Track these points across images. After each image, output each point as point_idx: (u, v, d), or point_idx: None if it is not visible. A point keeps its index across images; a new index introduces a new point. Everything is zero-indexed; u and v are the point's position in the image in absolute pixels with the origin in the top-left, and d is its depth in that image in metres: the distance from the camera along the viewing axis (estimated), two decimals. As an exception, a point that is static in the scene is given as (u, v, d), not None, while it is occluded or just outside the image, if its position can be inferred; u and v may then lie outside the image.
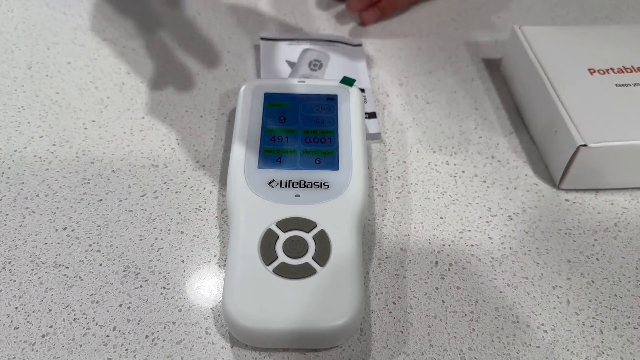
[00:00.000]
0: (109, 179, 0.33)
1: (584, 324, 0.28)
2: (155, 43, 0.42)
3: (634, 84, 0.34)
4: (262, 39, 0.41)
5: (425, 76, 0.41)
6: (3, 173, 0.33)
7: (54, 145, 0.35)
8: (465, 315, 0.28)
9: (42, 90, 0.38)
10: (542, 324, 0.28)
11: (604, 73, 0.35)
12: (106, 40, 0.42)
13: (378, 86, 0.40)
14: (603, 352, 0.27)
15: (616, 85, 0.34)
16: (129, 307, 0.28)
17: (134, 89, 0.38)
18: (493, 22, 0.45)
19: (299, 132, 0.32)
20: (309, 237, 0.28)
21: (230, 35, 0.43)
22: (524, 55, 0.37)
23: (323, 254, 0.27)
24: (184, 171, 0.34)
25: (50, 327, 0.27)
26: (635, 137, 0.32)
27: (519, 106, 0.38)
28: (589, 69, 0.35)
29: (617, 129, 0.32)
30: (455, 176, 0.35)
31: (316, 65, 0.39)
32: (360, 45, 0.42)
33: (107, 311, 0.28)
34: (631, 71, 0.35)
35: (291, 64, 0.39)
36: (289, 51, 0.40)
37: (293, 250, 0.27)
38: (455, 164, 0.35)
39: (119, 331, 0.27)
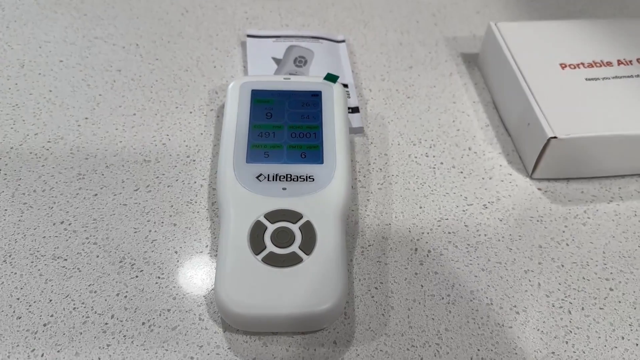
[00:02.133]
0: (103, 174, 0.35)
1: (553, 306, 0.30)
2: (145, 40, 0.43)
3: (603, 78, 0.36)
4: (249, 36, 0.42)
5: (406, 71, 0.42)
6: (0, 170, 0.35)
7: (48, 142, 0.36)
8: (442, 298, 0.30)
9: (35, 89, 0.39)
10: (515, 306, 0.30)
11: (575, 67, 0.37)
12: (97, 39, 0.43)
13: (361, 81, 0.41)
14: (571, 331, 0.29)
15: (586, 79, 0.36)
16: (125, 296, 0.30)
17: (125, 86, 0.40)
18: (471, 17, 0.47)
19: (285, 127, 0.34)
20: (295, 227, 0.30)
21: (218, 32, 0.44)
22: (499, 51, 0.39)
23: (309, 243, 0.29)
24: (175, 166, 0.35)
25: (51, 316, 0.29)
26: (603, 129, 0.33)
27: (495, 100, 0.40)
28: (561, 64, 0.37)
29: (586, 121, 0.34)
30: (434, 167, 0.36)
31: (301, 62, 0.41)
32: (343, 41, 0.43)
33: (105, 300, 0.30)
34: (600, 65, 0.37)
35: (277, 61, 0.41)
36: (274, 48, 0.41)
37: (280, 240, 0.29)
38: (434, 156, 0.37)
39: (117, 319, 0.29)
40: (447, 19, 0.47)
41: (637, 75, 0.36)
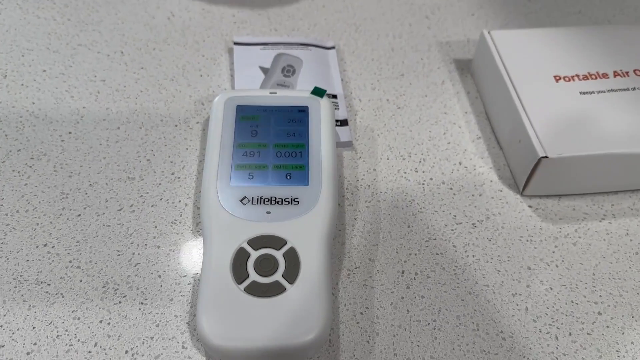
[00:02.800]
0: (86, 193, 0.34)
1: (540, 331, 0.30)
2: (130, 47, 0.42)
3: (598, 92, 0.35)
4: (236, 43, 0.41)
5: (397, 79, 0.41)
6: (-17, 189, 0.34)
7: (31, 159, 0.36)
8: (429, 324, 0.30)
9: (17, 101, 0.38)
10: (501, 332, 0.30)
11: (569, 80, 0.36)
12: (80, 46, 0.42)
13: (351, 90, 0.40)
14: (557, 358, 0.29)
15: (580, 93, 0.35)
16: (109, 323, 0.30)
17: (110, 97, 0.39)
18: (466, 20, 0.46)
19: (271, 146, 0.33)
20: (279, 254, 0.29)
21: (205, 38, 0.43)
22: (492, 62, 0.38)
23: (292, 271, 0.29)
24: (160, 184, 0.35)
25: (35, 344, 0.29)
26: (596, 147, 0.33)
27: (487, 110, 0.39)
28: (555, 76, 0.36)
29: (579, 139, 0.33)
30: (423, 184, 0.36)
31: (289, 71, 0.40)
32: (333, 47, 0.42)
33: (89, 327, 0.29)
34: (596, 77, 0.36)
35: (264, 70, 0.40)
36: (262, 56, 0.40)
37: (264, 268, 0.29)
38: (423, 171, 0.36)
39: (100, 347, 0.29)
40: (441, 21, 0.45)
41: (633, 88, 0.35)
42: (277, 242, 0.30)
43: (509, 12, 0.47)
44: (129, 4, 0.45)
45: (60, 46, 0.42)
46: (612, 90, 0.35)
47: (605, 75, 0.36)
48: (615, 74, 0.36)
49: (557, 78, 0.36)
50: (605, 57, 0.37)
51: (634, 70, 0.36)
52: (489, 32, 0.39)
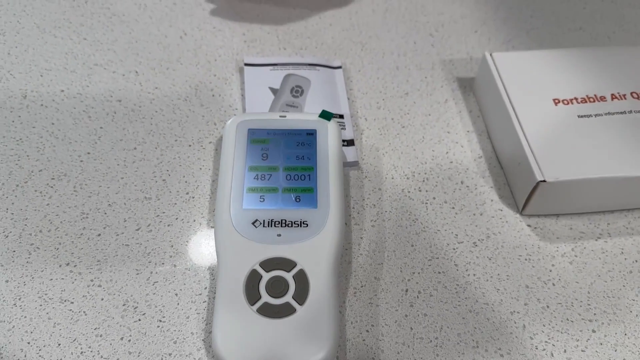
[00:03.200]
0: (105, 213, 0.36)
1: (537, 348, 0.32)
2: (144, 67, 0.44)
3: (595, 115, 0.37)
4: (246, 64, 0.43)
5: (402, 98, 0.43)
6: (7, 209, 0.36)
7: (52, 179, 0.37)
8: (431, 341, 0.32)
9: (37, 122, 0.40)
10: (499, 349, 0.32)
11: (568, 103, 0.37)
12: (97, 66, 0.43)
13: (357, 109, 0.42)
14: (552, 374, 0.31)
15: (578, 116, 0.37)
16: (129, 340, 0.31)
17: (126, 117, 0.41)
18: (469, 37, 0.47)
19: (281, 169, 0.35)
20: (289, 276, 0.31)
21: (216, 57, 0.44)
22: (493, 83, 0.39)
23: (302, 293, 0.30)
24: (175, 203, 0.37)
25: (60, 360, 0.31)
26: (593, 171, 0.34)
27: (488, 130, 0.41)
28: (554, 99, 0.38)
29: (576, 163, 0.34)
30: (426, 203, 0.37)
31: (298, 92, 0.41)
32: (340, 67, 0.43)
33: (110, 344, 0.31)
34: (594, 100, 0.37)
35: (274, 91, 0.41)
36: (272, 77, 0.42)
37: (275, 290, 0.30)
38: (427, 191, 0.38)
39: (122, 363, 0.31)
40: (445, 39, 0.47)
41: (630, 112, 0.37)
42: (287, 264, 0.31)
43: (511, 29, 0.48)
44: (142, 22, 0.46)
45: (77, 66, 0.43)
46: (609, 113, 0.37)
47: (603, 98, 0.37)
48: (613, 96, 0.38)
49: (557, 101, 0.37)
50: (603, 80, 0.39)
51: (631, 93, 0.38)
52: (490, 54, 0.40)
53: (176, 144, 0.39)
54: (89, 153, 0.39)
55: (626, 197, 0.36)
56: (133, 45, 0.45)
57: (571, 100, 0.37)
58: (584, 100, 0.37)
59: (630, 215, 0.37)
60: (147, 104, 0.41)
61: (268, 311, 0.30)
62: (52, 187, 0.37)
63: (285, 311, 0.30)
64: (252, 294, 0.30)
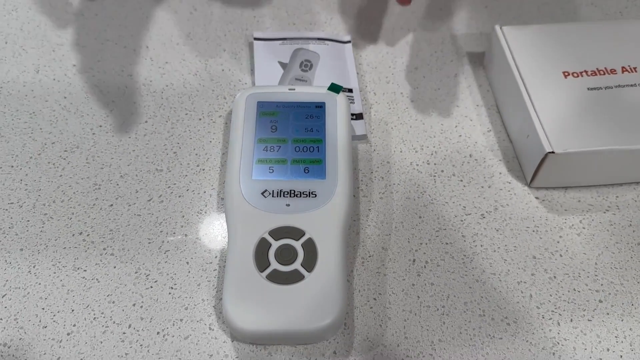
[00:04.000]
0: (117, 184, 0.37)
1: (543, 317, 0.32)
2: (155, 42, 0.44)
3: (605, 87, 0.37)
4: (256, 39, 0.43)
5: (411, 72, 0.43)
6: (22, 180, 0.37)
7: (65, 151, 0.38)
8: (437, 309, 0.32)
9: (50, 95, 0.41)
10: (506, 317, 0.32)
11: (578, 76, 0.37)
12: (108, 41, 0.44)
13: (366, 84, 0.42)
14: (558, 343, 0.31)
15: (588, 89, 0.37)
16: (141, 306, 0.32)
17: (137, 92, 0.41)
18: (480, 12, 0.47)
19: (289, 141, 0.35)
20: (297, 244, 0.31)
21: (225, 33, 0.45)
22: (503, 57, 0.39)
23: (310, 260, 0.31)
24: (186, 175, 0.37)
25: (74, 325, 0.31)
26: (601, 143, 0.34)
27: (498, 103, 0.41)
28: (564, 72, 0.37)
29: (585, 135, 0.34)
30: (434, 176, 0.37)
31: (307, 66, 0.41)
32: (349, 42, 0.44)
33: (123, 310, 0.32)
34: (604, 73, 0.37)
35: (283, 65, 0.41)
36: (281, 51, 0.42)
37: (284, 257, 0.31)
38: (435, 164, 0.38)
39: (134, 328, 0.31)
40: (454, 14, 0.47)
41: (640, 84, 0.37)
42: (296, 232, 0.32)
43: (521, 4, 0.47)
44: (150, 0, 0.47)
45: (88, 41, 0.44)
46: (619, 86, 0.37)
47: (613, 71, 0.37)
48: (623, 69, 0.37)
49: (566, 74, 0.37)
50: (614, 53, 0.38)
51: (642, 66, 0.38)
52: (500, 28, 0.40)
53: (186, 117, 0.40)
54: (100, 126, 0.39)
55: (635, 170, 0.36)
56: (144, 20, 0.45)
57: (581, 73, 0.37)
58: (594, 73, 0.37)
59: (638, 188, 0.37)
60: (158, 78, 0.42)
61: (277, 278, 0.30)
62: (64, 159, 0.38)
63: (293, 278, 0.30)
64: (261, 261, 0.31)
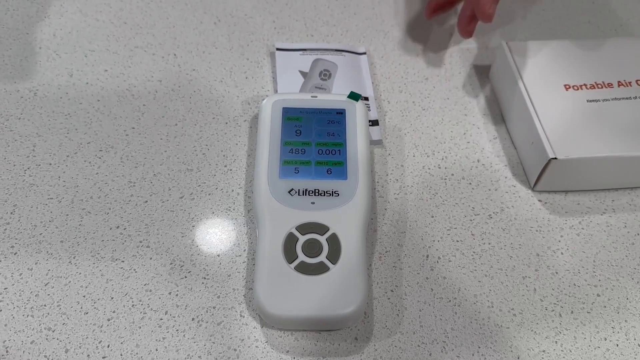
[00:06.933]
0: (151, 182, 0.39)
1: (546, 309, 0.35)
2: (182, 50, 0.47)
3: (603, 100, 0.40)
4: (278, 49, 0.46)
5: (422, 83, 0.46)
6: (59, 177, 0.39)
7: (100, 151, 0.40)
8: (450, 301, 0.35)
9: (84, 98, 0.43)
10: (512, 309, 0.35)
11: (578, 89, 0.40)
12: (137, 48, 0.46)
13: (380, 93, 0.45)
14: (560, 332, 0.34)
15: (587, 100, 0.40)
16: (177, 295, 0.35)
17: (167, 96, 0.44)
18: (485, 27, 0.50)
19: (313, 144, 0.38)
20: (322, 239, 0.34)
21: (248, 42, 0.48)
22: (509, 70, 0.42)
23: (334, 253, 0.34)
24: (214, 175, 0.40)
25: (114, 312, 0.34)
26: (600, 150, 0.37)
27: (503, 113, 0.44)
28: (565, 85, 0.41)
29: (585, 142, 0.38)
30: (445, 179, 0.40)
31: (326, 75, 0.44)
32: (364, 53, 0.47)
33: (159, 298, 0.34)
34: (602, 87, 0.40)
35: (303, 74, 0.44)
36: (301, 61, 0.45)
37: (310, 250, 0.34)
38: (445, 168, 0.41)
39: (170, 315, 0.34)
40: (462, 29, 0.50)
41: (636, 97, 0.40)
42: (321, 228, 0.34)
43: (524, 21, 0.51)
44: (178, 8, 0.49)
45: (119, 47, 0.46)
46: (615, 98, 0.40)
47: (610, 85, 0.41)
48: (619, 83, 0.41)
49: (567, 86, 0.41)
50: (611, 68, 0.42)
51: (636, 81, 0.41)
52: (507, 43, 0.43)
53: (214, 121, 0.43)
54: (133, 128, 0.42)
55: (630, 176, 0.39)
56: (171, 30, 0.48)
57: (581, 86, 0.41)
58: (592, 87, 0.41)
59: (633, 193, 0.40)
60: (186, 84, 0.44)
61: (304, 269, 0.33)
62: (100, 158, 0.40)
63: (320, 269, 0.33)
64: (290, 253, 0.33)
